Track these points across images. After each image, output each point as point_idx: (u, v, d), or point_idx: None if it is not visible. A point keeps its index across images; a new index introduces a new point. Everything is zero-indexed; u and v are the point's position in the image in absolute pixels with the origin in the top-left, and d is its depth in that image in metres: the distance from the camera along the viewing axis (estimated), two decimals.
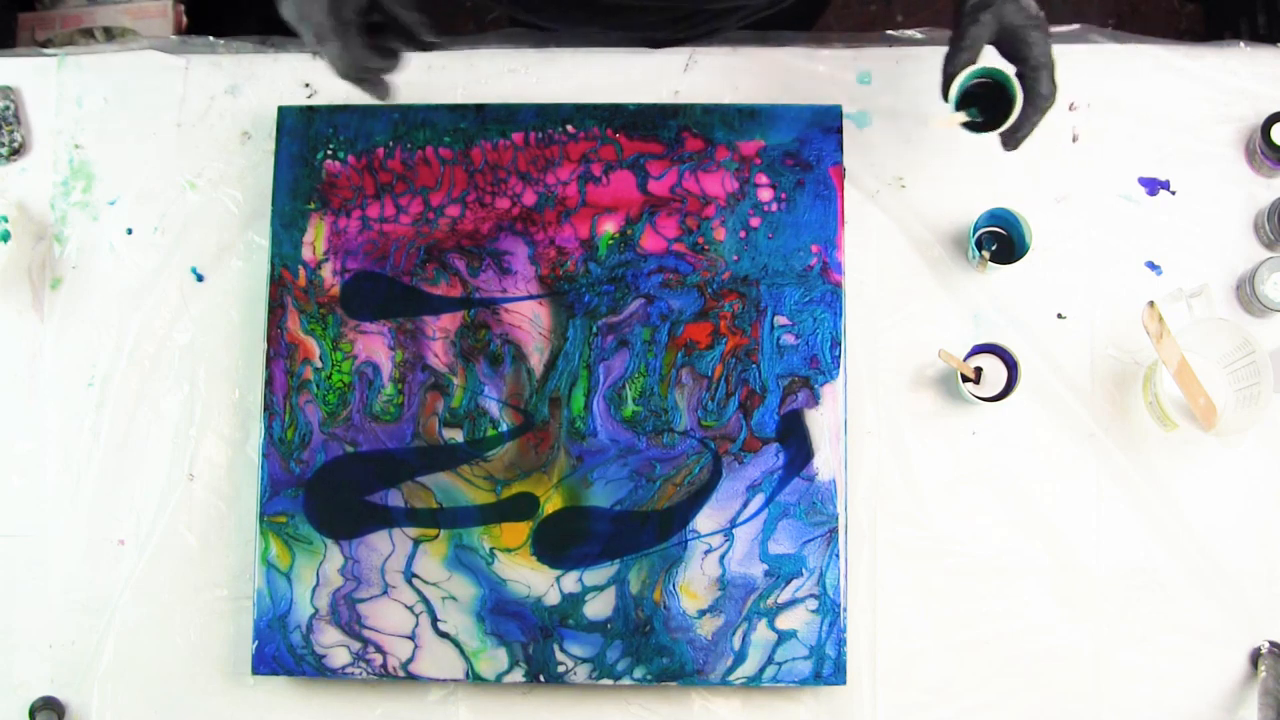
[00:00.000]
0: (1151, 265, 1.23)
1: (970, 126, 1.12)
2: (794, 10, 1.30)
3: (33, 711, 1.20)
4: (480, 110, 1.24)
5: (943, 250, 1.24)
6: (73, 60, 1.30)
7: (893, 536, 1.20)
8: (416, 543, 1.18)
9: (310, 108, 1.25)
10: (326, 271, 1.22)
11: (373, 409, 1.20)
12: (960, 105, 1.11)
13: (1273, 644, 1.18)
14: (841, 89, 1.26)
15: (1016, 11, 1.04)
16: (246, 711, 1.21)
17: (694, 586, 1.17)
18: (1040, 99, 1.06)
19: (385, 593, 1.18)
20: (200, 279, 1.26)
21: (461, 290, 1.22)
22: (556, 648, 1.17)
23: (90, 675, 1.21)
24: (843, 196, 1.22)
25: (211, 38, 1.31)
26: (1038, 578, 1.20)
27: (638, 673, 1.16)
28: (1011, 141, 1.09)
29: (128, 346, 1.25)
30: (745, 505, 1.18)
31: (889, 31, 1.29)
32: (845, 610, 1.16)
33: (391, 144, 1.24)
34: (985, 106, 1.11)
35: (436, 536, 1.18)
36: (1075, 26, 1.28)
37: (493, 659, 1.17)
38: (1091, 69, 1.26)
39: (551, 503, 1.18)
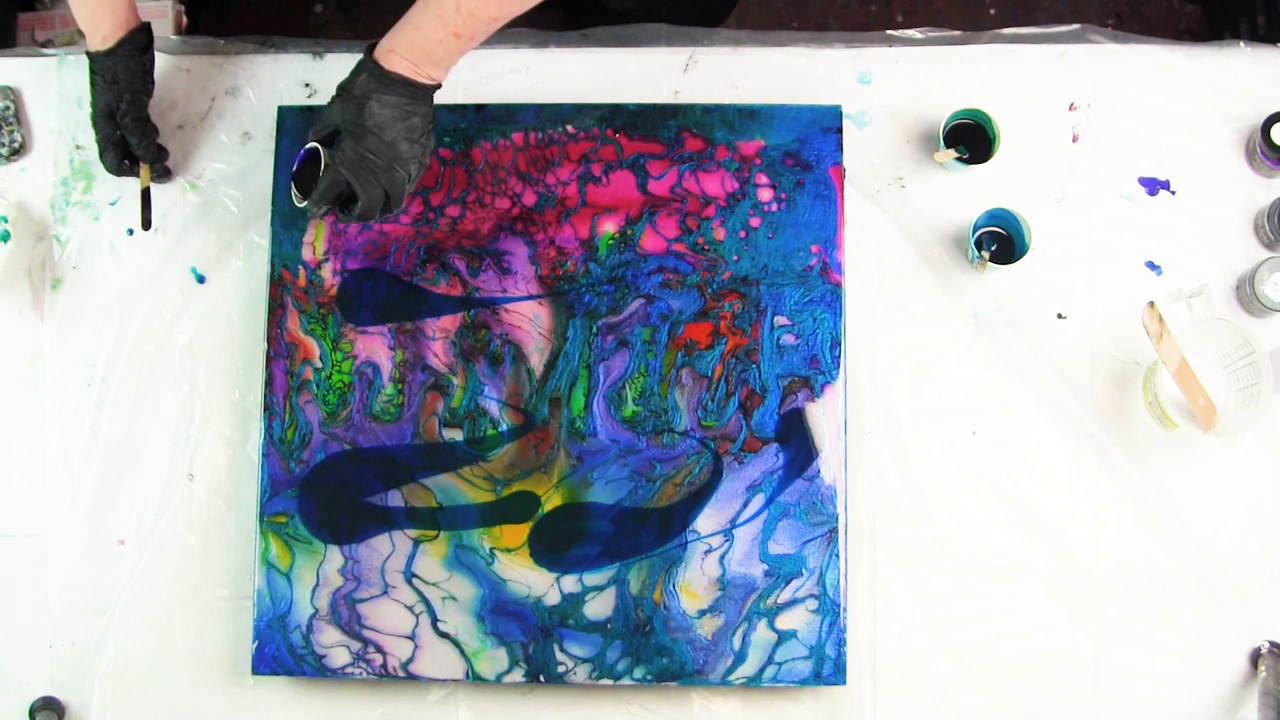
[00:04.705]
0: (1151, 265, 1.23)
1: (960, 160, 1.22)
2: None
3: (33, 711, 1.20)
4: (480, 110, 1.24)
5: (943, 250, 1.24)
6: (73, 60, 1.30)
7: (893, 536, 1.20)
8: (416, 543, 1.18)
9: (310, 108, 1.25)
10: (326, 271, 1.22)
11: (373, 409, 1.20)
12: (950, 142, 1.22)
13: (1273, 644, 1.18)
14: (841, 89, 1.27)
15: (350, 113, 1.06)
16: (246, 711, 1.21)
17: (694, 587, 1.17)
18: (318, 190, 1.08)
19: (385, 593, 1.18)
20: (200, 279, 1.26)
21: (461, 290, 1.22)
22: (556, 648, 1.17)
23: (90, 675, 1.21)
24: (843, 196, 1.22)
25: (211, 38, 1.32)
26: (1038, 578, 1.20)
27: (638, 673, 1.16)
28: (309, 209, 1.10)
29: (128, 346, 1.25)
30: (745, 505, 1.18)
31: (889, 31, 1.29)
32: (845, 610, 1.16)
33: None
34: (970, 143, 1.22)
35: (436, 537, 1.18)
36: (1075, 26, 1.29)
37: (493, 659, 1.17)
38: (1091, 69, 1.26)
39: (551, 503, 1.18)
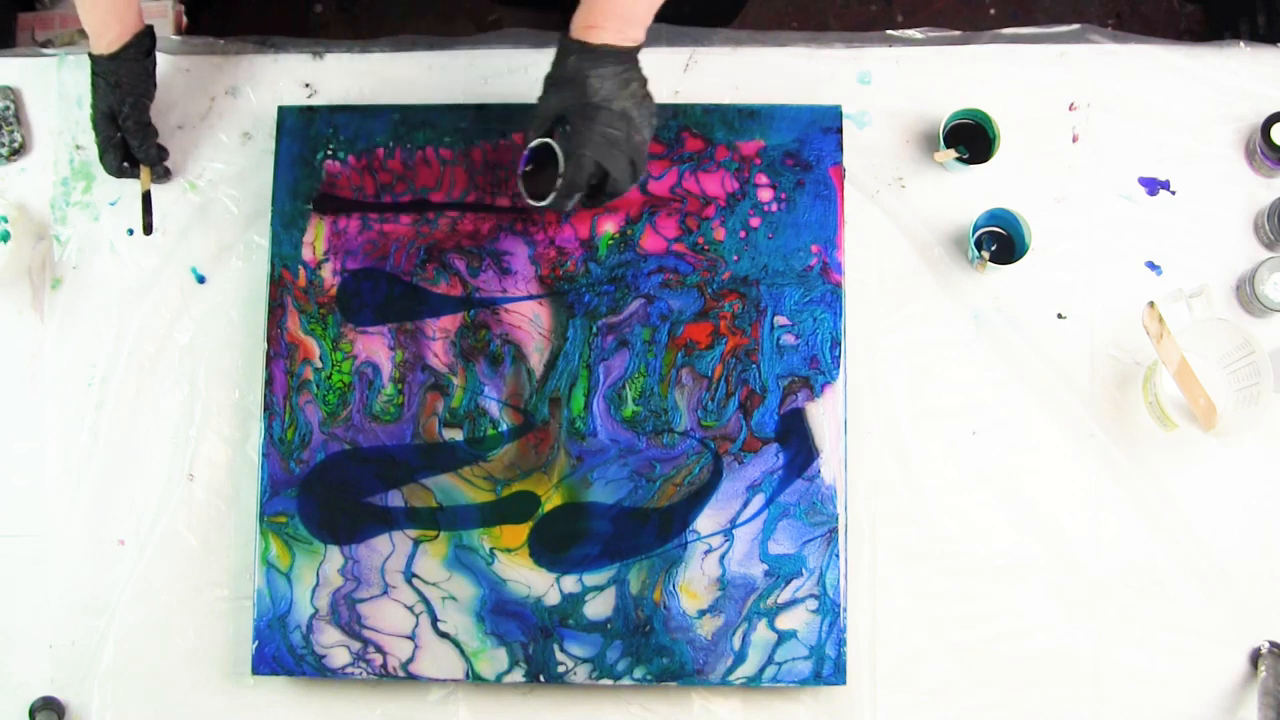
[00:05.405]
0: (1151, 265, 1.23)
1: (960, 160, 1.22)
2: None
3: (33, 711, 1.20)
4: (480, 110, 1.24)
5: (943, 250, 1.24)
6: (73, 60, 1.30)
7: (893, 536, 1.20)
8: (416, 543, 1.18)
9: (310, 108, 1.25)
10: (326, 271, 1.22)
11: (373, 409, 1.20)
12: (950, 142, 1.22)
13: (1273, 644, 1.18)
14: (841, 89, 1.27)
15: (572, 96, 1.06)
16: (246, 711, 1.21)
17: (694, 586, 1.17)
18: (566, 183, 1.07)
19: (385, 593, 1.18)
20: (200, 279, 1.26)
21: (461, 290, 1.22)
22: (556, 648, 1.17)
23: (90, 675, 1.21)
24: (843, 196, 1.22)
25: (211, 38, 1.31)
26: (1038, 578, 1.20)
27: (638, 673, 1.16)
28: (559, 207, 1.10)
29: (128, 346, 1.25)
30: (745, 505, 1.18)
31: (889, 31, 1.29)
32: (845, 610, 1.16)
33: (391, 144, 1.24)
34: (970, 143, 1.22)
35: (436, 537, 1.18)
36: (1075, 26, 1.28)
37: (493, 659, 1.17)
38: (1091, 69, 1.26)
39: (551, 503, 1.18)
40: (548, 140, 1.08)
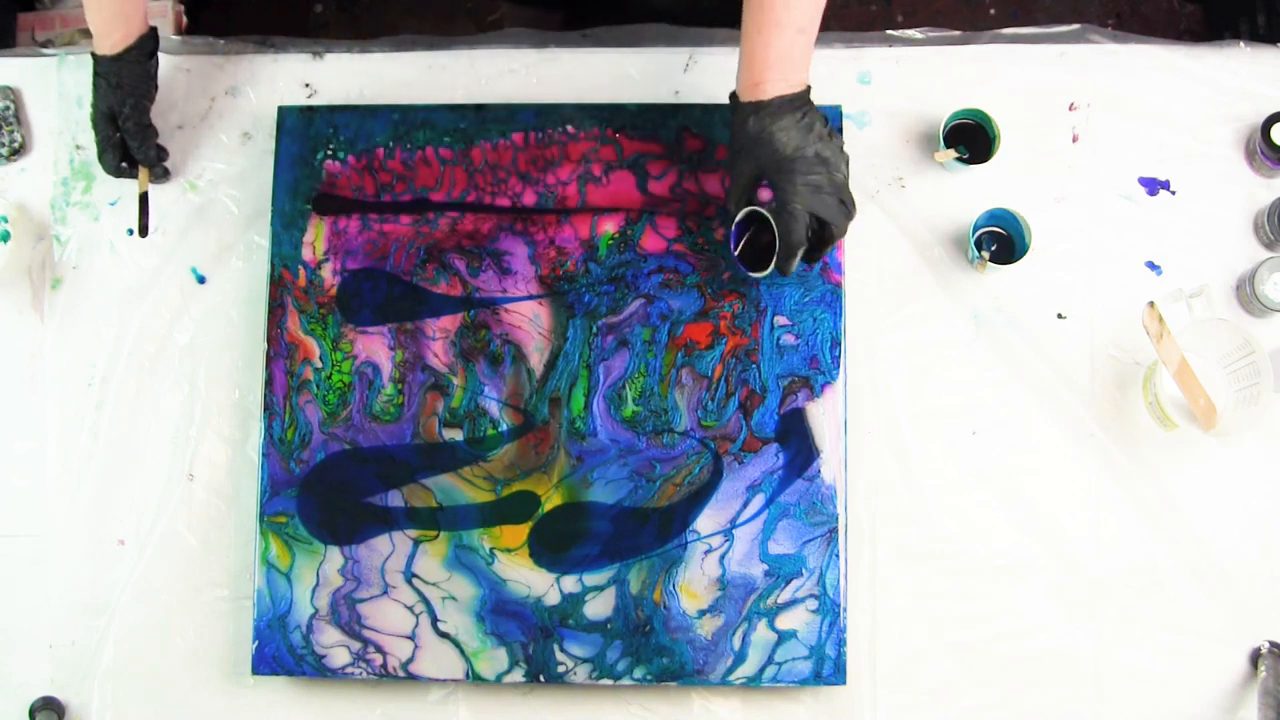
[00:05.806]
0: (1151, 265, 1.23)
1: (960, 160, 1.22)
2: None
3: (33, 711, 1.20)
4: (480, 110, 1.24)
5: (943, 250, 1.24)
6: (73, 60, 1.30)
7: (893, 536, 1.20)
8: (416, 543, 1.18)
9: (310, 108, 1.25)
10: (326, 271, 1.22)
11: (373, 409, 1.20)
12: (950, 142, 1.22)
13: (1273, 644, 1.18)
14: (841, 89, 1.26)
15: (765, 156, 1.07)
16: (246, 711, 1.21)
17: (694, 586, 1.17)
18: (785, 243, 1.07)
19: (385, 593, 1.18)
20: (201, 279, 1.26)
21: (461, 290, 1.22)
22: (556, 648, 1.17)
23: (90, 675, 1.21)
24: None
25: (211, 38, 1.31)
26: (1038, 578, 1.20)
27: (638, 673, 1.16)
28: (785, 270, 1.10)
29: (128, 346, 1.25)
30: (745, 505, 1.18)
31: (889, 31, 1.29)
32: (845, 610, 1.16)
33: (391, 144, 1.24)
34: (970, 143, 1.22)
35: (436, 537, 1.18)
36: (1075, 26, 1.28)
37: (493, 659, 1.17)
38: (1091, 69, 1.26)
39: (551, 503, 1.18)
40: (754, 208, 1.09)
